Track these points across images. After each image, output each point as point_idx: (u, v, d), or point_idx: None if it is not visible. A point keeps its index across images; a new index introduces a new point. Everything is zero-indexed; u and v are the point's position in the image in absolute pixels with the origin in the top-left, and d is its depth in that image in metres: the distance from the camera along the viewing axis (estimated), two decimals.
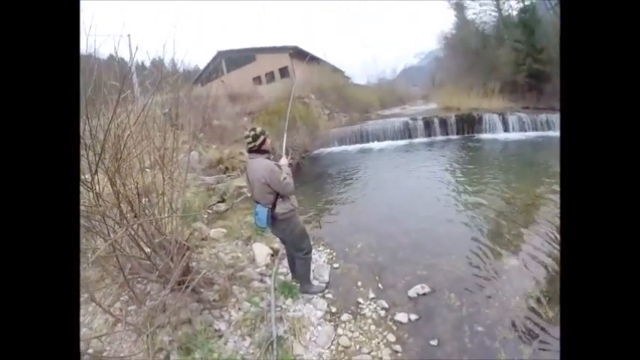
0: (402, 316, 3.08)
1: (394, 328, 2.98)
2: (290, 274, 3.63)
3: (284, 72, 23.06)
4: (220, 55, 26.11)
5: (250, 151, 3.02)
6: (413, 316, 3.09)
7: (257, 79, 23.53)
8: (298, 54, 23.41)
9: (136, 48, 2.42)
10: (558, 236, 4.28)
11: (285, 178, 2.89)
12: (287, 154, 3.28)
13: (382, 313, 3.17)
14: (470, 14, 22.00)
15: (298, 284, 3.42)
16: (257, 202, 3.04)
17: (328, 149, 13.34)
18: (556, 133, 12.94)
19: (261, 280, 3.52)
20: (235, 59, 25.06)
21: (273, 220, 3.02)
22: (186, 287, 2.41)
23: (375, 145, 13.77)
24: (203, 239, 4.19)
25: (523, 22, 18.38)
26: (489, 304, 3.21)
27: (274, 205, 2.97)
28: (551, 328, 2.86)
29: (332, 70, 23.59)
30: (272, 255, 4.10)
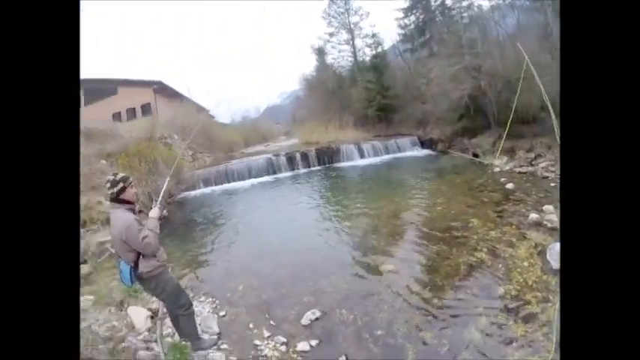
0: (303, 345, 3.19)
1: (299, 359, 3.06)
2: (176, 334, 3.30)
3: (146, 109, 21.29)
4: (80, 83, 22.29)
5: (111, 199, 2.73)
6: (313, 342, 3.22)
7: (117, 116, 21.01)
8: (162, 89, 22.09)
9: None
10: (419, 236, 5.24)
11: (145, 237, 2.60)
12: (161, 205, 2.97)
13: (283, 348, 3.21)
14: (329, 59, 25.44)
15: (189, 343, 3.15)
16: (119, 258, 2.74)
17: (194, 192, 12.76)
18: (405, 154, 15.79)
19: (148, 348, 3.12)
20: (95, 90, 21.82)
21: (139, 279, 2.75)
22: None
23: (242, 183, 13.68)
24: None
25: (375, 65, 21.94)
26: (380, 308, 3.62)
27: (136, 264, 2.69)
28: (440, 312, 3.42)
29: (196, 109, 23.01)
30: (152, 317, 3.67)
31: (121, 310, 3.79)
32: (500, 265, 4.15)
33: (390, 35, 25.56)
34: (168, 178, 3.57)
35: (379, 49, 22.76)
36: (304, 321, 3.54)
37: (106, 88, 21.96)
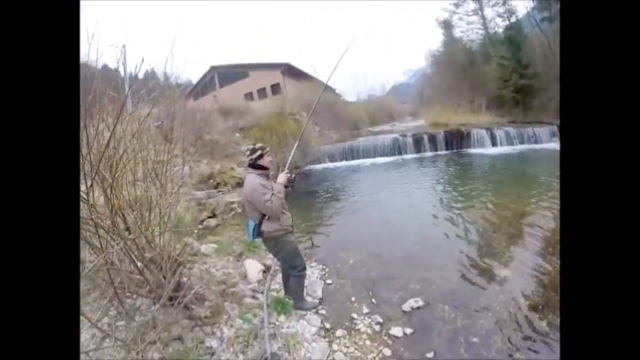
0: (396, 330, 3.06)
1: (389, 342, 2.95)
2: (282, 291, 3.58)
3: (276, 89, 23.31)
4: (213, 69, 26.31)
5: (249, 164, 3.04)
6: (408, 330, 3.06)
7: (249, 95, 23.70)
8: (290, 71, 23.75)
9: (142, 60, 2.44)
10: (542, 246, 4.37)
11: (268, 200, 2.81)
12: (290, 171, 3.17)
13: (377, 327, 3.13)
14: (457, 32, 22.65)
15: (291, 301, 3.36)
16: (248, 216, 3.05)
17: (319, 165, 13.38)
18: (543, 145, 13.34)
19: (254, 297, 3.45)
20: (228, 74, 25.26)
21: (260, 236, 3.01)
22: (178, 303, 2.34)
23: (366, 161, 13.82)
24: (194, 255, 4.12)
25: (509, 38, 18.84)
26: (483, 315, 3.21)
27: (261, 222, 2.95)
28: (545, 335, 2.87)
29: (323, 87, 23.88)
30: (264, 271, 4.04)
31: (238, 261, 4.27)
32: None
33: (523, 1, 21.30)
34: (296, 145, 3.76)
35: (513, 19, 19.28)
36: (405, 307, 3.38)
37: (238, 71, 24.81)
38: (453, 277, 3.90)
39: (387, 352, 2.82)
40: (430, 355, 2.77)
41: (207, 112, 12.66)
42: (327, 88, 25.87)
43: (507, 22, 19.56)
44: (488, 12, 20.84)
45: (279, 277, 3.77)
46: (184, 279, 2.95)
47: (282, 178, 3.06)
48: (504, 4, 19.60)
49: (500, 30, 20.28)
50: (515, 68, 17.82)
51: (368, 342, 2.95)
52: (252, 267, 4.03)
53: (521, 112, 17.56)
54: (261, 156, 3.00)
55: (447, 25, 22.78)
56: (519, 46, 18.37)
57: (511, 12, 19.43)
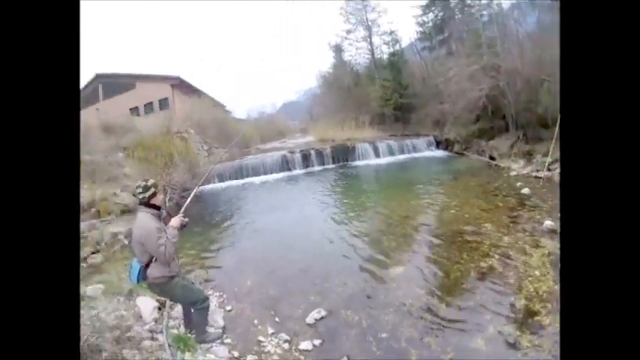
0: (306, 344, 3.18)
1: (301, 357, 3.05)
2: (182, 326, 3.38)
3: (163, 103, 21.64)
4: (98, 78, 23.01)
5: (140, 202, 2.86)
6: (317, 341, 3.21)
7: (134, 110, 21.44)
8: (180, 85, 22.40)
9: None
10: (434, 240, 5.17)
11: (162, 245, 2.70)
12: (183, 215, 3.04)
13: (286, 345, 3.21)
14: (347, 56, 25.23)
15: (193, 335, 3.20)
16: (134, 256, 2.88)
17: (209, 186, 12.91)
18: (420, 154, 15.54)
19: (153, 338, 3.17)
20: (113, 85, 22.36)
21: (145, 281, 2.88)
22: None
23: (255, 179, 13.71)
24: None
25: (392, 63, 21.62)
26: (386, 311, 3.58)
27: (147, 265, 2.81)
28: (446, 318, 3.36)
29: (212, 104, 23.17)
30: (159, 308, 3.73)
31: (130, 301, 3.86)
32: (511, 273, 4.05)
33: (408, 33, 25.39)
34: (194, 191, 3.55)
35: (397, 47, 22.44)
36: (309, 320, 3.54)
37: (125, 82, 22.39)
38: (350, 283, 4.23)
39: None
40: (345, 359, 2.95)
41: (87, 127, 11.03)
42: (217, 105, 25.17)
43: (392, 49, 22.49)
44: (376, 39, 23.95)
45: (176, 310, 3.54)
46: None
47: (175, 221, 2.91)
48: (391, 34, 22.61)
49: (385, 56, 23.16)
50: (396, 89, 20.43)
51: None
52: (146, 305, 3.67)
53: (401, 127, 20.16)
54: (154, 194, 2.85)
55: (337, 49, 25.28)
56: (400, 70, 21.25)
57: (396, 41, 22.48)
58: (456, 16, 19.65)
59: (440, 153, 15.69)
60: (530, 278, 3.85)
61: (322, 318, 3.57)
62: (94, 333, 2.61)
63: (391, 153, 15.73)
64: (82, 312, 3.31)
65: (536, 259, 4.27)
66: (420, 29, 22.28)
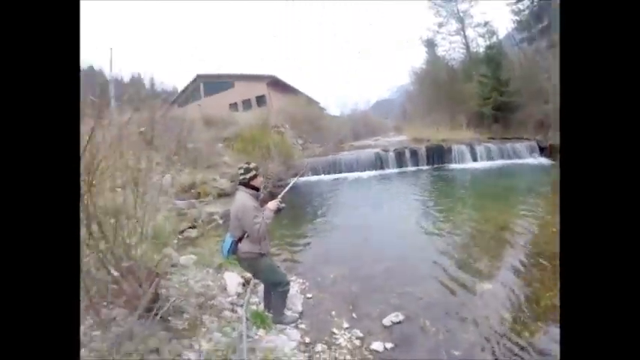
0: (377, 345, 3.05)
1: (370, 357, 2.94)
2: (262, 304, 3.53)
3: (261, 100, 23.38)
4: (199, 78, 26.22)
5: (240, 183, 3.07)
6: (388, 345, 3.05)
7: (233, 106, 23.65)
8: (275, 83, 23.92)
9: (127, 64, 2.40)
10: (525, 260, 4.50)
11: (257, 223, 2.85)
12: (281, 201, 3.18)
13: (357, 342, 3.12)
14: (440, 51, 23.76)
15: (271, 314, 3.32)
16: (229, 231, 3.07)
17: (302, 179, 13.43)
18: (521, 161, 13.86)
19: (233, 310, 3.38)
20: (213, 84, 25.18)
21: (236, 255, 3.03)
22: (155, 315, 2.27)
23: (348, 175, 13.93)
24: (173, 266, 4.01)
25: (489, 57, 19.57)
26: (465, 328, 3.24)
27: (240, 240, 2.98)
28: (525, 349, 2.91)
29: (307, 101, 24.14)
30: (244, 284, 3.97)
31: (218, 273, 4.18)
32: None
33: (504, 23, 22.63)
34: (293, 181, 3.75)
35: (493, 39, 20.21)
36: (386, 321, 3.38)
37: (224, 82, 24.83)
38: (433, 292, 3.94)
39: None
40: None
41: (190, 120, 12.51)
42: (312, 102, 26.17)
43: (488, 42, 20.42)
44: (470, 32, 22.23)
45: (259, 289, 3.71)
46: (162, 290, 2.86)
47: (273, 204, 3.07)
48: (485, 25, 20.62)
49: (482, 49, 21.15)
50: (494, 86, 18.49)
51: (348, 357, 2.93)
52: (232, 280, 3.95)
53: (501, 128, 18.18)
54: (255, 176, 3.05)
55: (430, 44, 23.83)
56: (499, 65, 19.08)
57: (492, 32, 20.41)
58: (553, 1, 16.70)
59: (542, 160, 13.78)
60: None
61: (399, 322, 3.37)
62: (181, 296, 2.85)
63: (489, 157, 14.39)
64: (173, 277, 3.71)
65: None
66: (517, 18, 19.57)
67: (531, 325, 3.22)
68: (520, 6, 19.24)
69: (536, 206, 7.43)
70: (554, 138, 13.83)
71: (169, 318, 2.66)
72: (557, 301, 3.57)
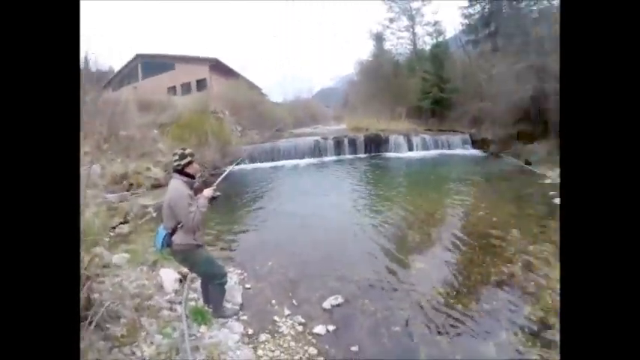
0: (320, 329, 3.20)
1: (314, 341, 3.07)
2: (201, 300, 3.48)
3: (201, 84, 22.19)
4: (138, 57, 23.97)
5: (174, 170, 2.94)
6: (331, 327, 3.22)
7: (172, 89, 22.14)
8: (217, 67, 22.82)
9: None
10: (456, 240, 5.06)
11: (192, 212, 2.76)
12: (215, 187, 3.11)
13: (300, 328, 3.24)
14: (388, 45, 24.44)
15: (211, 309, 3.29)
16: (162, 222, 2.96)
17: (239, 167, 13.20)
18: (453, 151, 15.07)
19: (171, 309, 3.29)
20: (153, 65, 23.26)
21: (170, 248, 2.92)
22: (90, 323, 2.16)
23: (286, 162, 13.93)
24: (105, 266, 3.77)
25: (434, 55, 20.82)
26: (402, 305, 3.55)
27: (173, 232, 2.87)
28: (460, 319, 3.29)
29: (249, 87, 23.47)
30: (180, 280, 3.85)
31: (153, 271, 4.02)
32: (531, 283, 3.87)
33: (453, 25, 24.03)
34: (228, 169, 3.66)
35: (440, 39, 21.58)
36: (326, 305, 3.56)
37: (164, 63, 23.12)
38: (370, 274, 4.22)
39: (313, 350, 2.93)
40: (355, 348, 2.95)
41: (125, 104, 11.51)
42: (253, 88, 25.45)
43: (435, 41, 21.72)
44: (419, 30, 23.15)
45: (196, 284, 3.66)
46: (95, 295, 2.71)
47: (208, 192, 2.99)
48: (435, 24, 21.81)
49: (428, 47, 22.36)
50: (436, 82, 19.73)
51: (292, 343, 3.04)
52: (168, 276, 3.81)
53: (437, 122, 19.53)
54: (190, 163, 2.94)
55: (378, 38, 24.43)
56: (443, 63, 20.37)
57: (440, 32, 21.69)
58: (504, 10, 18.47)
59: (474, 152, 15.13)
60: (549, 291, 3.66)
61: (339, 305, 3.58)
62: (116, 299, 2.73)
63: (425, 147, 15.43)
64: (105, 279, 3.52)
65: (558, 273, 4.06)
66: (466, 21, 20.99)
67: (462, 298, 3.64)
68: (471, 10, 20.59)
69: (466, 192, 8.27)
70: (485, 132, 15.19)
71: (106, 325, 2.53)
72: (484, 275, 4.13)
